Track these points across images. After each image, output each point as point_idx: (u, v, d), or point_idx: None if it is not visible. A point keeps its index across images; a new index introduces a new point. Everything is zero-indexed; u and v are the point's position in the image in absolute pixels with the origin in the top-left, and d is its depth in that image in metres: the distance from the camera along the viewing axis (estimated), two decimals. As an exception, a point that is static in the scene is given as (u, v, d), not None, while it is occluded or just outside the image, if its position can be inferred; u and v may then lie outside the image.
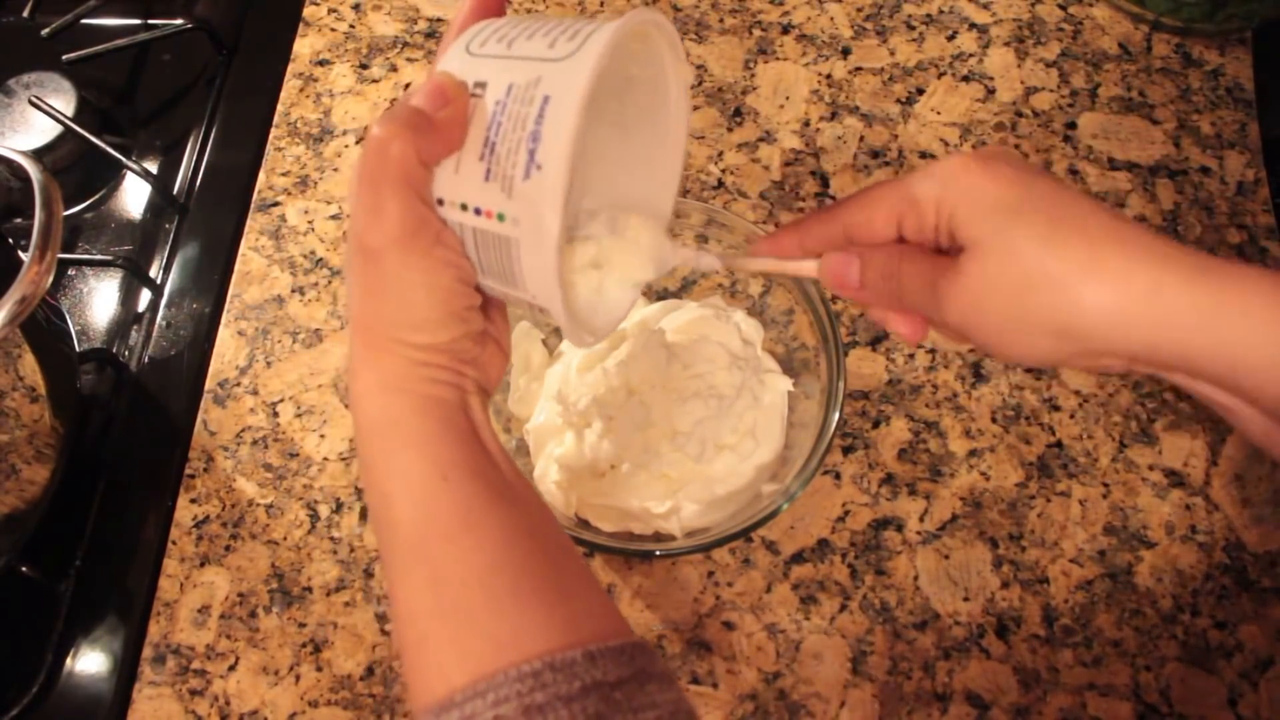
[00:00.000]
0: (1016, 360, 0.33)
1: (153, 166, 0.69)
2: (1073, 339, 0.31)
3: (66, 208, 0.66)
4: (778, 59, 0.69)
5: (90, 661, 0.54)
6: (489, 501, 0.32)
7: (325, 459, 0.58)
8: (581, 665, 0.29)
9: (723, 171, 0.65)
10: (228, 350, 0.61)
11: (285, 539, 0.56)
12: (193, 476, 0.58)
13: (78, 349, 0.62)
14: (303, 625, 0.54)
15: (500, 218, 0.31)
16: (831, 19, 0.70)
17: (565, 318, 0.32)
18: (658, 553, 0.50)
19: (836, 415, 0.47)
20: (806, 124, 0.66)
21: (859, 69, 0.68)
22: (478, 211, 0.32)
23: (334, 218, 0.65)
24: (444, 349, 0.33)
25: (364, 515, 0.56)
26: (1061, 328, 0.31)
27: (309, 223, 0.65)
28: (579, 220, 0.37)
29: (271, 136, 0.68)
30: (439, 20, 0.72)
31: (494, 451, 0.33)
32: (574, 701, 0.28)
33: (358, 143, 0.67)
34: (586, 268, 0.36)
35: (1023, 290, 0.31)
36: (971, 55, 0.68)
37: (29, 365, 0.52)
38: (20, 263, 0.46)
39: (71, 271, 0.65)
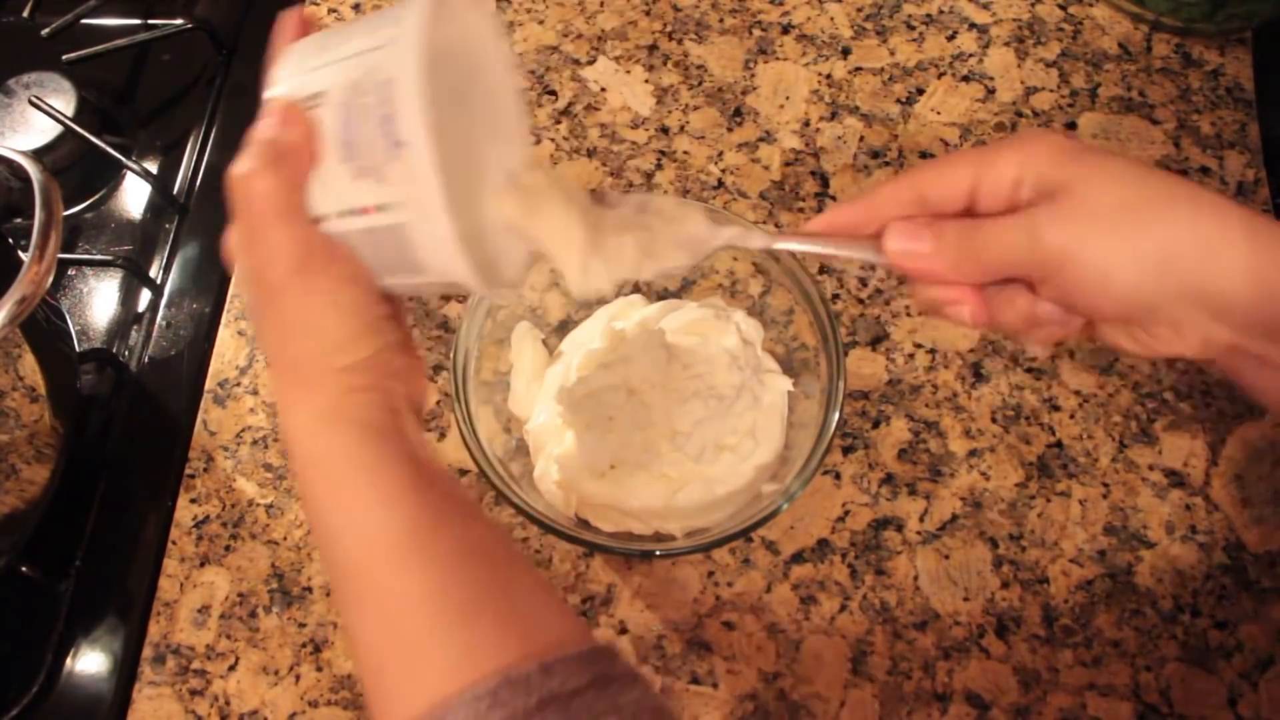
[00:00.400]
0: (1110, 301, 0.32)
1: (153, 166, 0.69)
2: (1174, 270, 0.31)
3: (66, 208, 0.66)
4: (778, 59, 0.69)
5: (90, 661, 0.54)
6: (433, 524, 0.32)
7: (325, 459, 0.58)
8: (537, 678, 0.28)
9: (723, 171, 0.65)
10: (228, 350, 0.61)
11: (285, 539, 0.56)
12: (193, 476, 0.58)
13: (78, 349, 0.62)
14: (303, 625, 0.54)
15: (381, 208, 0.31)
16: (831, 19, 0.70)
17: (477, 279, 0.32)
18: (658, 553, 0.50)
19: (836, 415, 0.47)
20: (806, 124, 0.66)
21: (859, 69, 0.68)
22: (358, 212, 0.32)
23: (334, 218, 0.65)
24: (368, 366, 0.33)
25: (364, 515, 0.56)
26: (1167, 254, 0.31)
27: (309, 223, 0.65)
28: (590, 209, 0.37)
29: (271, 136, 0.68)
30: (439, 20, 0.72)
31: (433, 471, 0.33)
32: (531, 716, 0.27)
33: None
34: (494, 230, 0.36)
35: (1129, 211, 0.31)
36: (971, 55, 0.68)
37: (29, 365, 0.52)
38: (20, 263, 0.46)
39: (71, 271, 0.65)
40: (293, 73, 0.34)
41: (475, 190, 0.36)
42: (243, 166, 0.32)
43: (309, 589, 0.54)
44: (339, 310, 0.32)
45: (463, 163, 0.37)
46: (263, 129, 0.32)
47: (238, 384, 0.60)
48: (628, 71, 0.69)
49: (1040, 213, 0.32)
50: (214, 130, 0.69)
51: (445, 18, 0.33)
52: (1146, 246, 0.31)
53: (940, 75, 0.68)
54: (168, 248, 0.65)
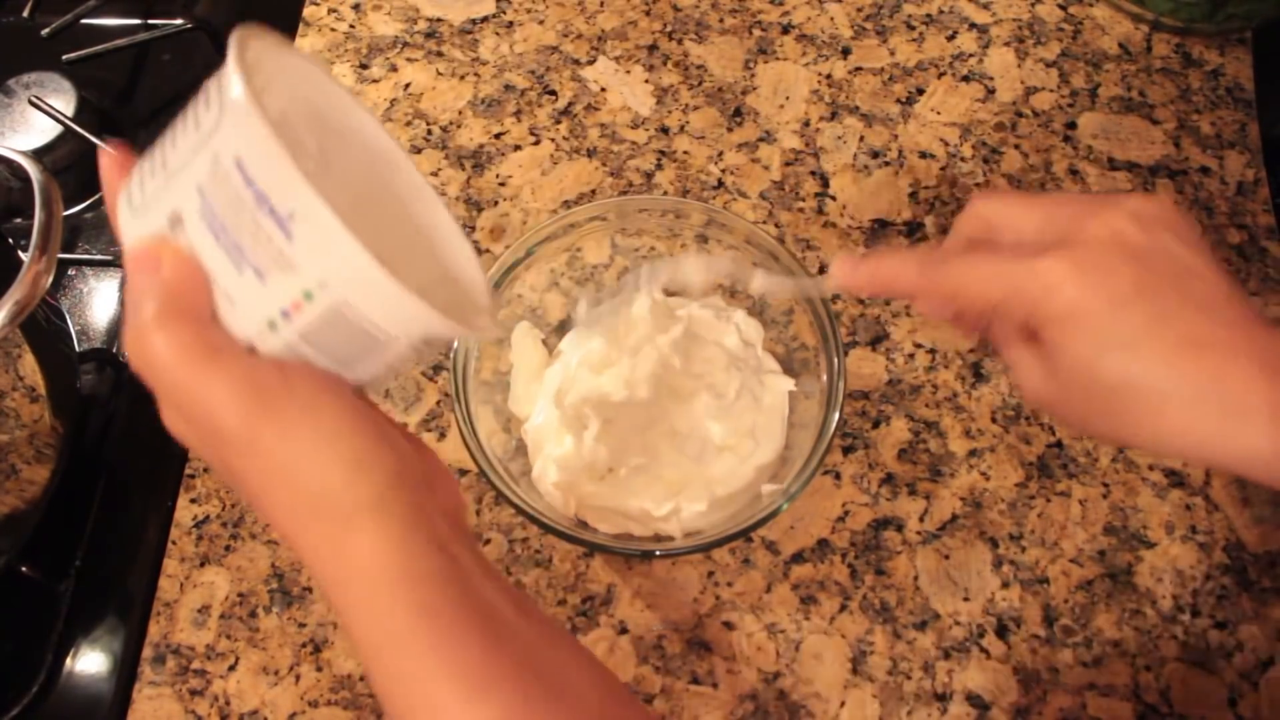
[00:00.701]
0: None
1: (153, 166, 0.69)
2: (1144, 447, 0.33)
3: (66, 208, 0.66)
4: (778, 59, 0.69)
5: (90, 661, 0.54)
6: (499, 666, 0.28)
7: (325, 459, 0.58)
8: None
9: (723, 171, 0.65)
10: (228, 350, 0.61)
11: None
12: (193, 476, 0.58)
13: (78, 349, 0.62)
14: (303, 625, 0.54)
15: (308, 296, 0.27)
16: (831, 19, 0.70)
17: (450, 321, 0.28)
18: (658, 553, 0.50)
19: (836, 415, 0.47)
20: (806, 124, 0.66)
21: (859, 69, 0.68)
22: (287, 315, 0.27)
23: (334, 218, 0.65)
24: (398, 484, 0.28)
25: (364, 515, 0.56)
26: (1129, 440, 0.33)
27: (309, 223, 0.65)
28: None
29: (271, 136, 0.68)
30: (439, 20, 0.72)
31: (492, 592, 0.30)
32: None
33: (358, 143, 0.67)
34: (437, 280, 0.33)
35: (1098, 400, 0.33)
36: (971, 55, 0.68)
37: (29, 365, 0.52)
38: (20, 263, 0.46)
39: (71, 271, 0.65)
40: (136, 209, 0.29)
41: (401, 249, 0.32)
42: (133, 331, 0.27)
43: (309, 589, 0.54)
44: (330, 438, 0.28)
45: (370, 221, 0.32)
46: (134, 285, 0.27)
47: (238, 384, 0.60)
48: (628, 71, 0.69)
49: (1031, 361, 0.35)
50: (214, 130, 0.69)
51: (261, 71, 0.29)
52: (1115, 430, 0.33)
53: (940, 75, 0.68)
54: (168, 248, 0.65)
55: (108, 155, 0.30)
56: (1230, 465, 0.32)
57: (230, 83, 0.26)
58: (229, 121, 0.26)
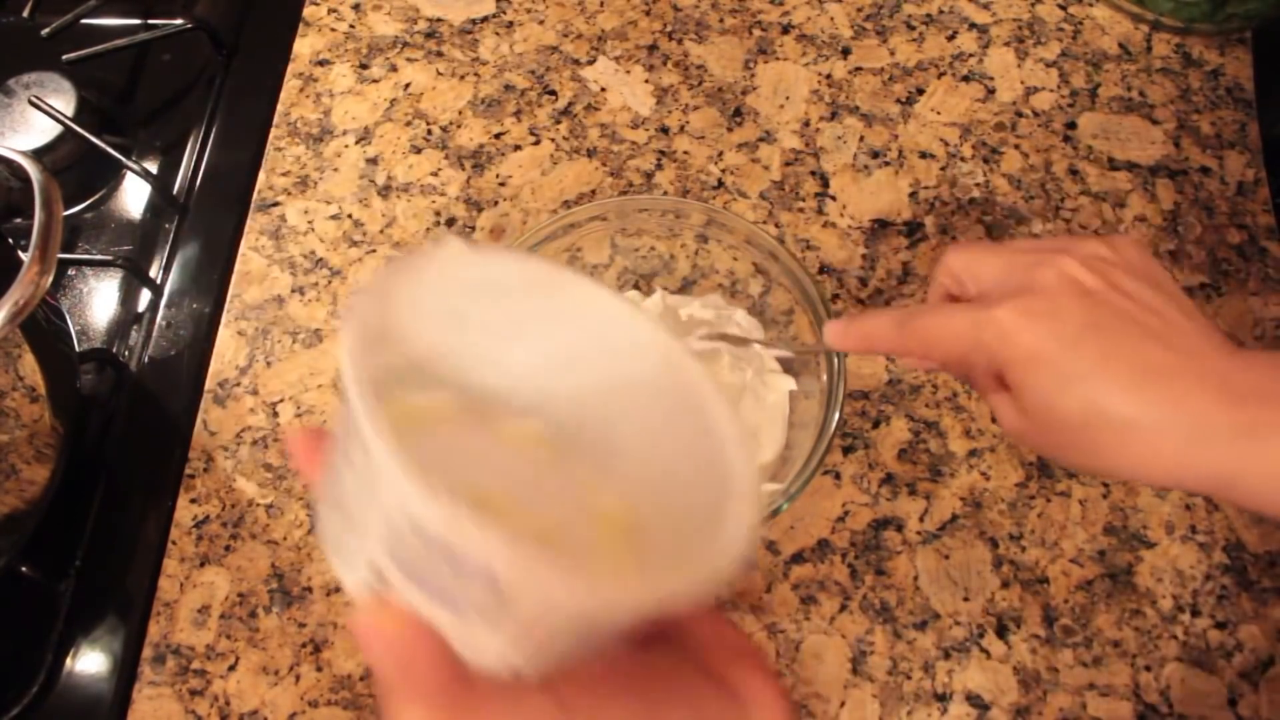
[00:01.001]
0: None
1: (153, 166, 0.69)
2: (1117, 476, 0.35)
3: (66, 208, 0.66)
4: (778, 59, 0.69)
5: (90, 661, 0.54)
6: None
7: (325, 459, 0.58)
8: None
9: (723, 171, 0.65)
10: (228, 350, 0.61)
11: (285, 539, 0.56)
12: (193, 476, 0.58)
13: (78, 349, 0.62)
14: (303, 625, 0.54)
15: (534, 623, 0.24)
16: (831, 19, 0.70)
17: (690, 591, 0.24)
18: (658, 553, 0.50)
19: (836, 415, 0.47)
20: (806, 124, 0.66)
21: (859, 69, 0.68)
22: (518, 641, 0.24)
23: (334, 218, 0.65)
24: None
25: (364, 515, 0.56)
26: (1104, 470, 0.35)
27: (309, 223, 0.65)
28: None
29: (271, 136, 0.68)
30: (439, 20, 0.72)
31: None
32: None
33: (358, 143, 0.67)
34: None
35: (1067, 434, 0.35)
36: (971, 55, 0.68)
37: (29, 365, 0.52)
38: (20, 263, 0.46)
39: (71, 271, 0.65)
40: (334, 547, 0.26)
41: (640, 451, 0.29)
42: (388, 714, 0.25)
43: (309, 589, 0.54)
44: None
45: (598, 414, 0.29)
46: (366, 655, 0.25)
47: (238, 384, 0.60)
48: (628, 71, 0.69)
49: (1006, 406, 0.37)
50: (214, 130, 0.69)
51: (390, 331, 0.26)
52: (1085, 463, 0.35)
53: (940, 75, 0.68)
54: (168, 248, 0.65)
55: (295, 442, 0.29)
56: (1200, 488, 0.33)
57: (369, 439, 0.22)
58: (384, 482, 0.23)
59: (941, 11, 0.70)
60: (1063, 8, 0.70)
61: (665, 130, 0.66)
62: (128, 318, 0.63)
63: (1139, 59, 0.68)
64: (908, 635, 0.52)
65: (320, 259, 0.64)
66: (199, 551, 0.56)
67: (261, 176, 0.66)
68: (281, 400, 0.59)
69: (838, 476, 0.56)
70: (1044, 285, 0.35)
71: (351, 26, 0.72)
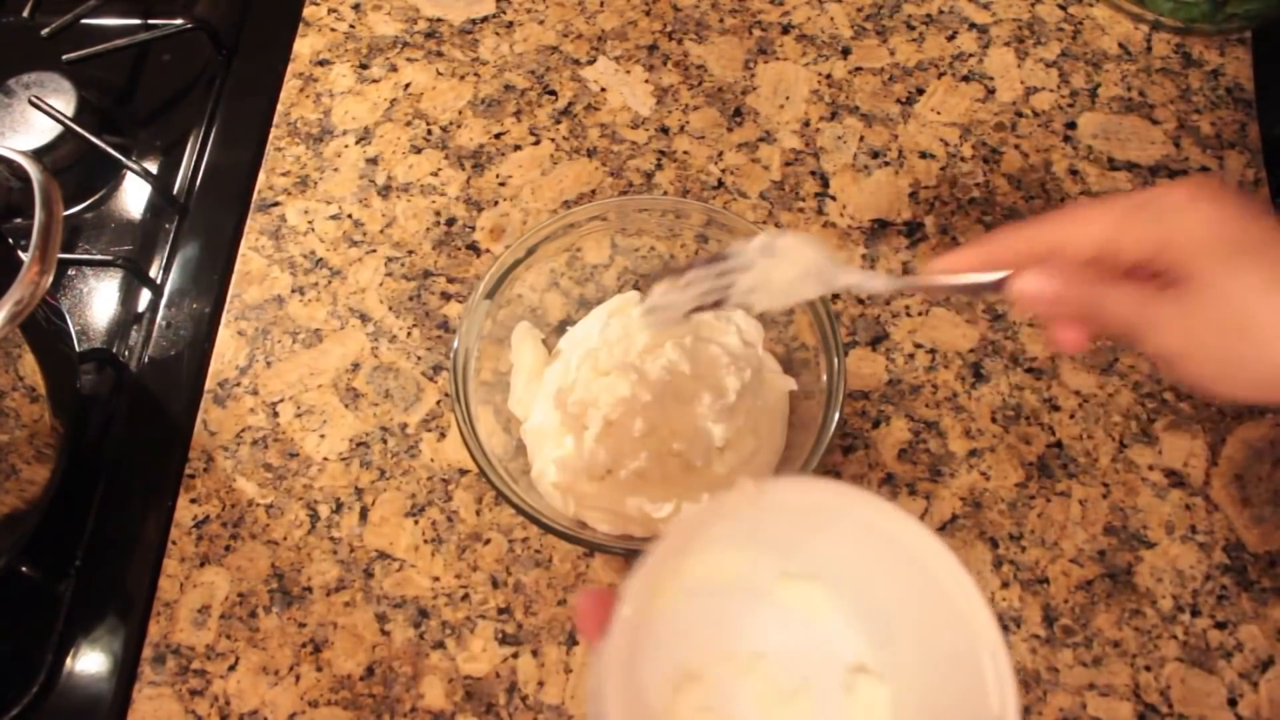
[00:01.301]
0: (1224, 397, 0.33)
1: (153, 166, 0.69)
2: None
3: (66, 208, 0.66)
4: (778, 59, 0.69)
5: (90, 661, 0.54)
6: None
7: (325, 459, 0.58)
8: None
9: (723, 171, 0.65)
10: (228, 350, 0.61)
11: (285, 539, 0.56)
12: (193, 476, 0.58)
13: (78, 349, 0.62)
14: (303, 625, 0.54)
15: None
16: (831, 19, 0.70)
17: None
18: (658, 553, 0.50)
19: (836, 415, 0.47)
20: (806, 124, 0.66)
21: (859, 69, 0.68)
22: None
23: (334, 218, 0.65)
24: None
25: (364, 515, 0.56)
26: (1275, 379, 0.32)
27: (309, 223, 0.65)
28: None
29: (271, 136, 0.68)
30: (439, 20, 0.72)
31: None
32: None
33: (358, 143, 0.67)
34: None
35: (1240, 333, 0.31)
36: (971, 55, 0.68)
37: (29, 365, 0.52)
38: (20, 263, 0.46)
39: (71, 271, 0.65)
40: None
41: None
42: None
43: (309, 589, 0.54)
44: None
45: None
46: None
47: (238, 384, 0.60)
48: (628, 71, 0.69)
49: (1156, 313, 0.33)
50: (214, 130, 0.69)
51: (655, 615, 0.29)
52: (1257, 368, 0.32)
53: (940, 75, 0.68)
54: (168, 248, 0.65)
55: (582, 603, 0.30)
56: None
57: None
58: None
59: (941, 11, 0.70)
60: (1063, 8, 0.70)
61: (665, 130, 0.66)
62: (128, 318, 0.63)
63: (1139, 59, 0.68)
64: (908, 635, 0.52)
65: (320, 259, 0.64)
66: (199, 551, 0.56)
67: (261, 176, 0.67)
68: (281, 400, 0.59)
69: (838, 476, 0.56)
70: (1185, 181, 0.33)
71: (351, 26, 0.72)
